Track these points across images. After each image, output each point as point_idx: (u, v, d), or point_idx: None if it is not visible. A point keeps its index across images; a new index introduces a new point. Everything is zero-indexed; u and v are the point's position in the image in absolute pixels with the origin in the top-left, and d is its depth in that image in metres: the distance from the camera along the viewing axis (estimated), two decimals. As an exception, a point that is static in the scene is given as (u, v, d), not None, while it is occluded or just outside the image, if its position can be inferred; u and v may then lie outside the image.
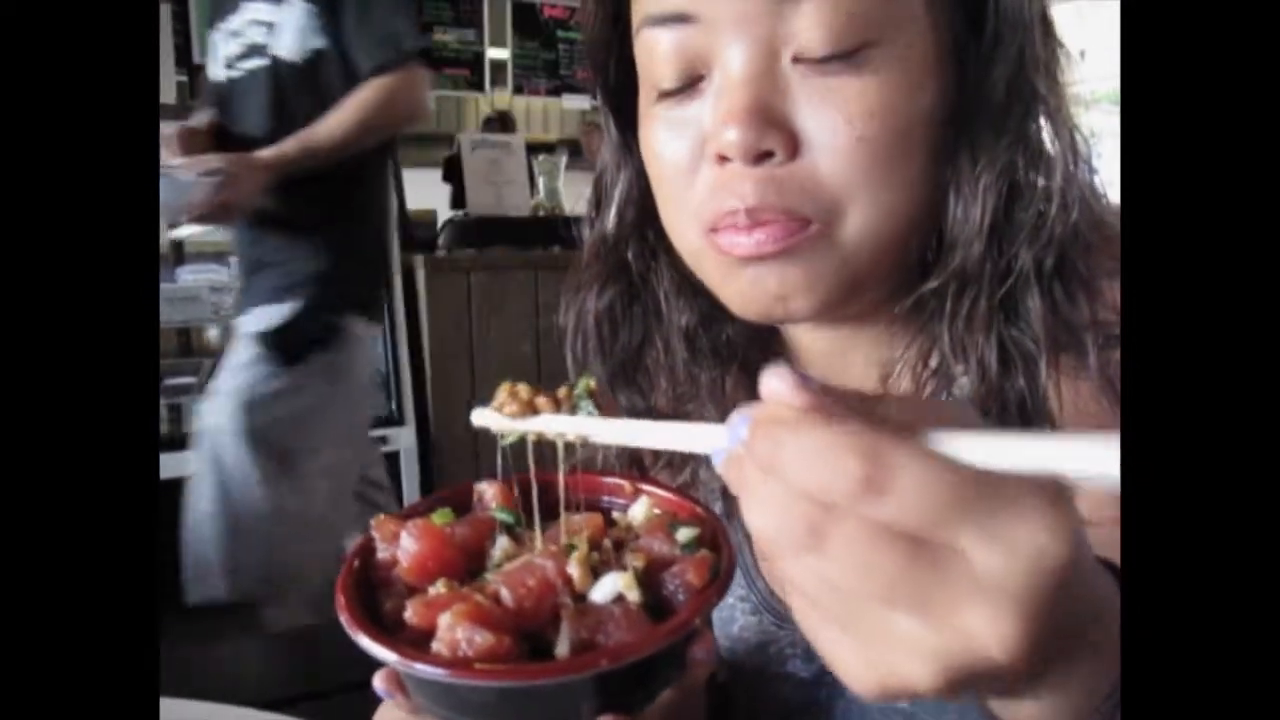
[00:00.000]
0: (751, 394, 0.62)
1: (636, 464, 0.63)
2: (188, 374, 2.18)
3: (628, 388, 0.63)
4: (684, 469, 0.62)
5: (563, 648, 0.38)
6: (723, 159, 0.47)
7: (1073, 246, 0.48)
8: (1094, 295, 0.48)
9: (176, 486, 1.76)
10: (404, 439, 2.09)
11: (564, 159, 2.74)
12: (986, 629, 0.26)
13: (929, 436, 0.27)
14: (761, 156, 0.46)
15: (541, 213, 2.65)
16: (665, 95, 0.50)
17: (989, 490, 0.26)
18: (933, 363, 0.51)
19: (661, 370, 0.62)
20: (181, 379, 2.14)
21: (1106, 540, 0.34)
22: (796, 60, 0.46)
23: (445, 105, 5.11)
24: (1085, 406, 0.48)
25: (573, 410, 0.44)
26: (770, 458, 0.27)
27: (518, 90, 4.87)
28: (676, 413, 0.62)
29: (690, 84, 0.49)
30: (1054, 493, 0.26)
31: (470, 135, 2.53)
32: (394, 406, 2.10)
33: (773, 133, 0.46)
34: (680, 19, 0.48)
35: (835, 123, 0.45)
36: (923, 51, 0.46)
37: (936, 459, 0.26)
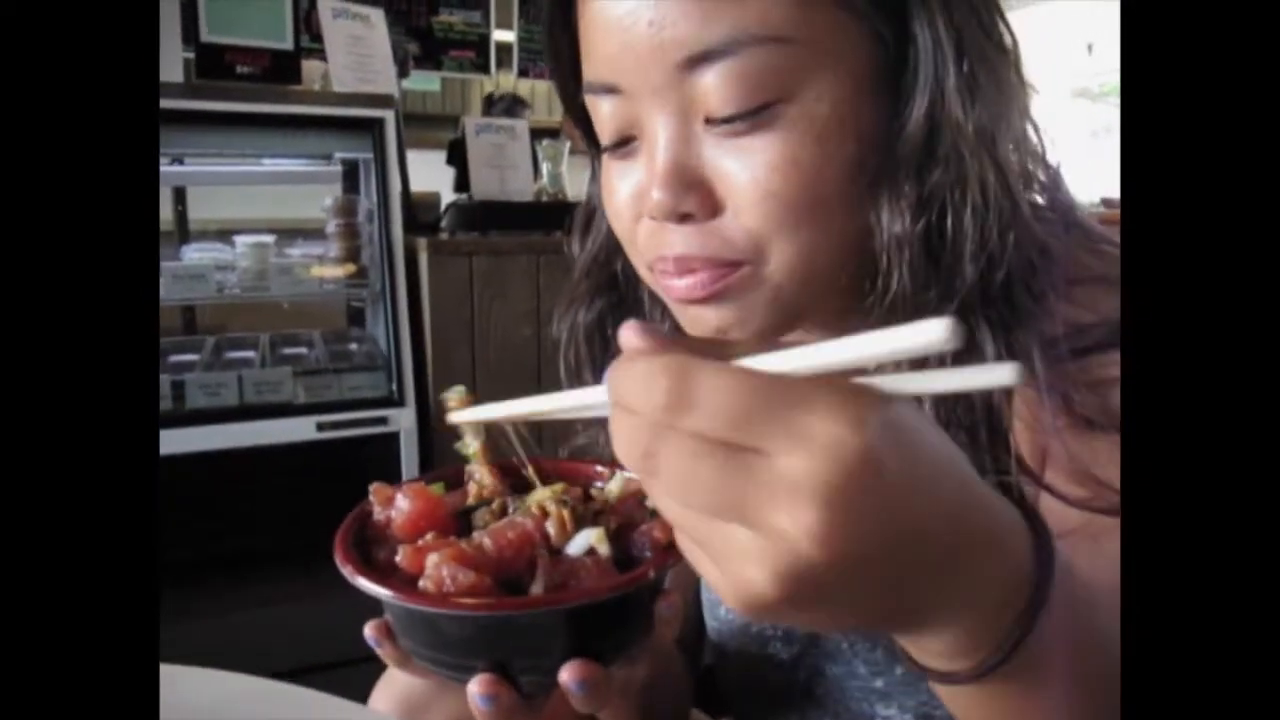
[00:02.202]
0: None
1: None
2: (191, 351, 2.19)
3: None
4: None
5: (537, 588, 0.42)
6: (653, 217, 0.51)
7: (1017, 267, 0.49)
8: (1044, 312, 0.50)
9: (180, 462, 1.77)
10: (404, 420, 2.10)
11: (568, 144, 2.73)
12: (795, 524, 0.27)
13: (742, 359, 0.29)
14: (684, 217, 0.49)
15: (545, 197, 2.65)
16: (609, 150, 0.54)
17: (788, 392, 0.27)
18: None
19: None
20: (185, 356, 2.16)
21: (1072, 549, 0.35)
22: (708, 122, 0.48)
23: (450, 87, 5.09)
24: (1042, 421, 0.49)
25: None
26: (613, 389, 0.30)
27: (523, 73, 4.85)
28: None
29: (626, 142, 0.52)
30: (851, 387, 0.28)
31: (475, 119, 2.53)
32: (394, 387, 2.11)
33: (691, 195, 0.49)
34: (607, 89, 0.51)
35: (744, 181, 0.48)
36: (833, 101, 0.47)
37: (741, 371, 0.28)
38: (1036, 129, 0.52)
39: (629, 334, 0.32)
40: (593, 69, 0.52)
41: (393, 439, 2.09)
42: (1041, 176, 0.53)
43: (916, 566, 0.30)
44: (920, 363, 0.33)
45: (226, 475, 1.93)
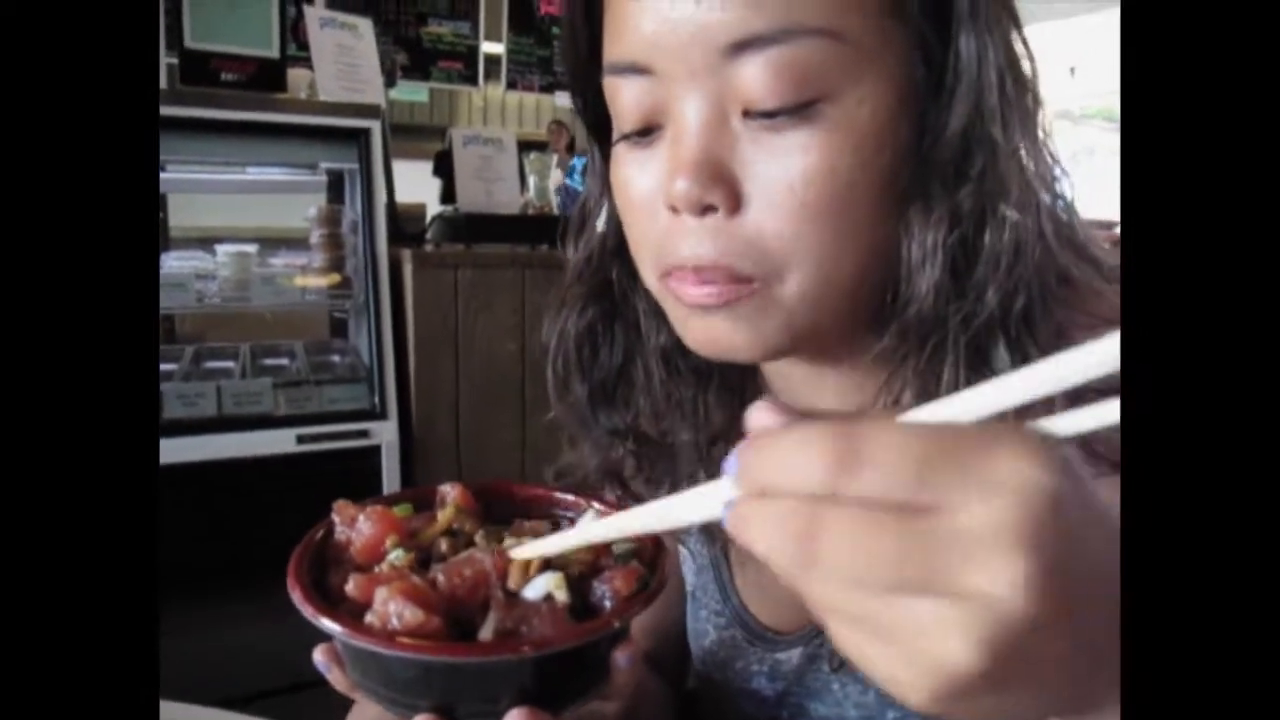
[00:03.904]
0: (731, 411, 0.63)
1: (615, 478, 0.64)
2: (169, 361, 2.16)
3: (608, 407, 0.63)
4: (663, 484, 0.63)
5: (486, 632, 0.40)
6: (674, 209, 0.48)
7: (1039, 294, 0.48)
8: (1067, 344, 0.49)
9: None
10: (386, 433, 2.08)
11: (555, 157, 2.73)
12: (999, 579, 0.25)
13: (899, 419, 0.28)
14: (706, 210, 0.47)
15: (531, 210, 2.65)
16: (628, 138, 0.51)
17: (964, 439, 0.26)
18: (903, 406, 0.51)
19: (641, 390, 0.63)
20: (163, 365, 2.13)
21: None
22: (746, 115, 0.46)
23: (438, 98, 5.10)
24: None
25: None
26: (758, 471, 0.28)
27: (511, 86, 4.85)
28: (657, 432, 0.63)
29: (649, 131, 0.50)
30: (1029, 431, 0.26)
31: (462, 130, 2.52)
32: (376, 400, 2.09)
33: (717, 188, 0.46)
34: (636, 70, 0.49)
35: (778, 184, 0.46)
36: (874, 108, 0.46)
37: (909, 424, 0.27)
38: (1052, 154, 0.51)
39: (760, 414, 0.29)
40: (623, 47, 0.49)
41: (374, 452, 2.07)
42: (1057, 204, 0.52)
43: (1110, 620, 0.27)
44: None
45: (203, 488, 1.90)
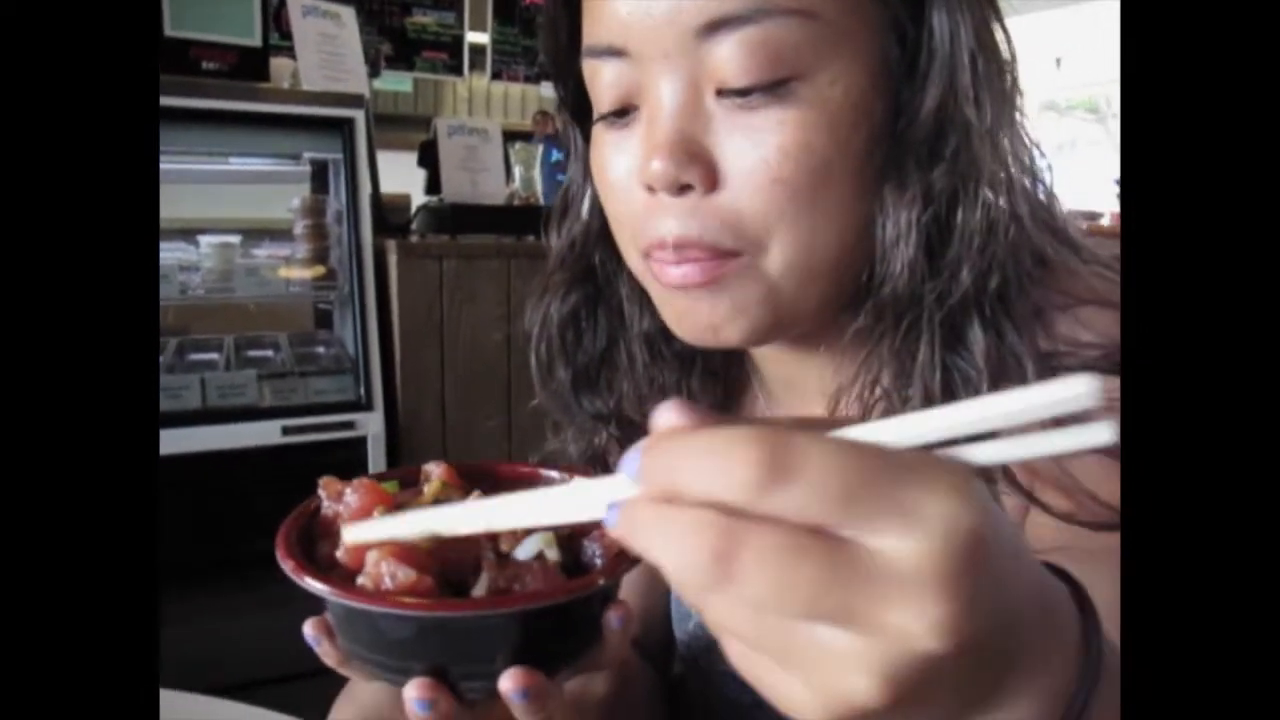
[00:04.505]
0: (714, 397, 0.63)
1: (599, 464, 0.64)
2: (152, 352, 2.15)
3: (591, 392, 0.64)
4: None
5: (479, 590, 0.40)
6: (650, 188, 0.48)
7: (1014, 274, 0.49)
8: (1043, 325, 0.49)
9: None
10: (371, 424, 2.07)
11: (540, 147, 2.72)
12: (916, 619, 0.24)
13: (830, 432, 0.26)
14: (683, 189, 0.47)
15: (516, 201, 2.64)
16: (606, 119, 0.51)
17: (894, 466, 0.24)
18: (881, 386, 0.52)
19: (624, 375, 0.63)
20: (146, 357, 2.11)
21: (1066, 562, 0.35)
22: (720, 93, 0.47)
23: (423, 88, 5.06)
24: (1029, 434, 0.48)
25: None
26: (666, 472, 0.25)
27: (496, 76, 4.83)
28: (640, 416, 0.64)
29: (626, 112, 0.50)
30: (957, 465, 0.25)
31: (447, 120, 2.51)
32: (362, 391, 2.09)
33: (693, 167, 0.46)
34: (613, 52, 0.49)
35: (753, 160, 0.46)
36: (847, 86, 0.47)
37: (840, 441, 0.24)
38: (1030, 138, 0.52)
39: (668, 413, 0.27)
40: (599, 30, 0.50)
41: (360, 443, 2.06)
42: (1036, 187, 0.53)
43: (1013, 648, 0.27)
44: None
45: (187, 480, 1.89)
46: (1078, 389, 0.23)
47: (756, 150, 0.46)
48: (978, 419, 0.25)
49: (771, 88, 0.46)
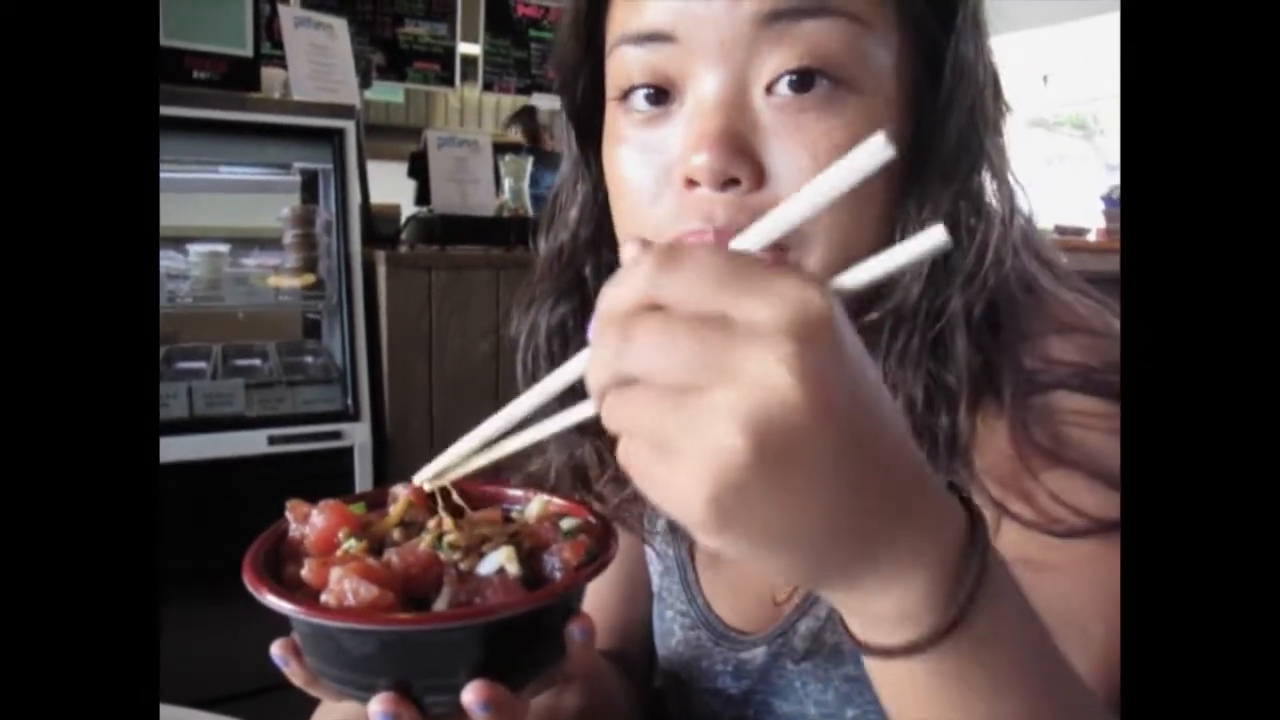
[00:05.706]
0: None
1: (581, 478, 0.64)
2: (139, 361, 2.13)
3: (575, 400, 0.64)
4: (628, 480, 0.63)
5: (441, 604, 0.41)
6: (690, 183, 0.48)
7: (1002, 298, 0.50)
8: (1027, 345, 0.50)
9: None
10: (359, 435, 2.07)
11: (530, 159, 2.73)
12: (768, 361, 0.27)
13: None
14: (729, 183, 0.47)
15: (506, 213, 2.64)
16: (635, 116, 0.51)
17: (760, 263, 0.29)
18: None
19: None
20: (133, 366, 2.10)
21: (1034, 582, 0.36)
22: (769, 92, 0.47)
23: (414, 99, 5.06)
24: (1002, 448, 0.49)
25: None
26: (603, 297, 0.30)
27: (488, 87, 4.83)
28: None
29: (661, 105, 0.50)
30: (815, 273, 0.30)
31: (437, 132, 2.52)
32: (350, 401, 2.08)
33: (740, 161, 0.46)
34: (659, 38, 0.48)
35: (801, 160, 0.46)
36: (886, 99, 0.48)
37: (715, 249, 0.30)
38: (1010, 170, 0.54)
39: (633, 248, 0.32)
40: (643, 16, 0.49)
41: (347, 454, 2.06)
42: (1021, 211, 0.54)
43: (870, 479, 0.29)
44: None
45: (174, 489, 1.88)
46: (938, 237, 0.29)
47: (807, 149, 0.46)
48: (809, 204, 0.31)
49: (821, 89, 0.46)
